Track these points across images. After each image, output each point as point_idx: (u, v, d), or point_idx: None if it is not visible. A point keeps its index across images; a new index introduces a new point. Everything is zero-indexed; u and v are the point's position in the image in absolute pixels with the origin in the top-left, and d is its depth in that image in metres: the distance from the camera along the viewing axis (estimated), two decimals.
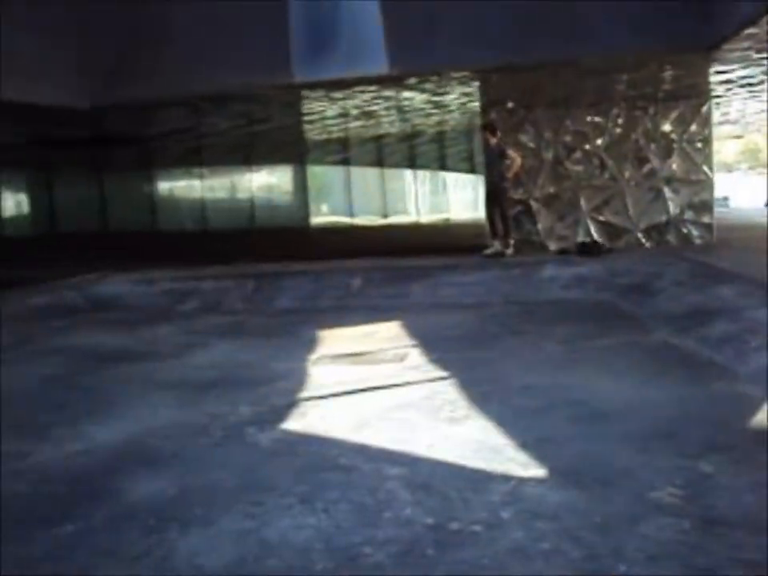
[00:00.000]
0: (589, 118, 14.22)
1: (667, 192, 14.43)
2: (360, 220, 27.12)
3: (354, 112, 15.73)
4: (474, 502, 4.20)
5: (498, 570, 3.43)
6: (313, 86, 11.62)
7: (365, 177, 28.06)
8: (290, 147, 23.98)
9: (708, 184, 14.33)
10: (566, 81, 12.45)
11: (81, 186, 26.15)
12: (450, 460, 4.85)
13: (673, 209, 14.41)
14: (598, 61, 11.16)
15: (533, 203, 14.39)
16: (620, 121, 14.23)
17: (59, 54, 11.31)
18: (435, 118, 18.52)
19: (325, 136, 21.94)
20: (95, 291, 11.69)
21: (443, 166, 30.86)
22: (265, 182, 26.38)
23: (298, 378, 6.99)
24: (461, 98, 14.10)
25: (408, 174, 29.69)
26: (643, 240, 14.21)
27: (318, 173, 26.67)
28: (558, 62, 11.13)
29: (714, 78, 13.33)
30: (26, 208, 26.99)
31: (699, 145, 14.21)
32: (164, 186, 26.33)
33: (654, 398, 5.89)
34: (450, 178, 31.83)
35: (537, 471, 4.59)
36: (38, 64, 10.94)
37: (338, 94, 12.62)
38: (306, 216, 25.63)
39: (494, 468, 4.67)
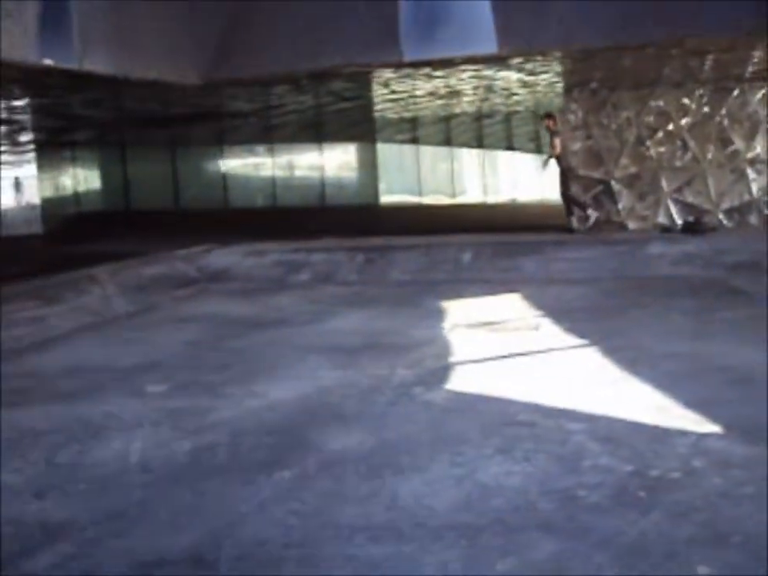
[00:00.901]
0: (673, 99, 14.26)
1: (750, 173, 14.44)
2: (428, 199, 27.31)
3: (443, 91, 15.94)
4: (663, 453, 4.46)
5: (712, 512, 3.70)
6: (419, 65, 11.85)
7: (433, 155, 28.24)
8: (361, 125, 24.20)
9: None
10: (651, 62, 12.55)
11: (154, 162, 26.66)
12: (623, 417, 5.11)
13: (756, 190, 14.42)
14: (702, 42, 11.27)
15: (614, 183, 14.49)
16: (704, 101, 14.26)
17: (171, 29, 11.60)
18: (516, 98, 18.67)
19: (395, 115, 22.14)
20: (206, 263, 12.11)
21: (510, 146, 30.91)
22: (335, 160, 26.64)
23: (442, 344, 7.29)
24: (552, 78, 14.26)
25: (476, 153, 29.80)
26: (725, 221, 14.25)
27: (386, 151, 26.87)
28: (664, 44, 11.25)
29: None
30: (100, 183, 27.53)
31: None
32: (235, 163, 26.72)
33: None
34: (517, 157, 31.88)
35: (712, 427, 4.84)
36: (151, 39, 11.25)
37: (438, 73, 12.85)
38: (376, 194, 25.85)
39: (670, 424, 4.93)
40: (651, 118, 14.34)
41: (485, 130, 28.36)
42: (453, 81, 14.21)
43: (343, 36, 11.54)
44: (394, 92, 15.45)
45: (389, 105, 18.56)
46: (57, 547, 3.73)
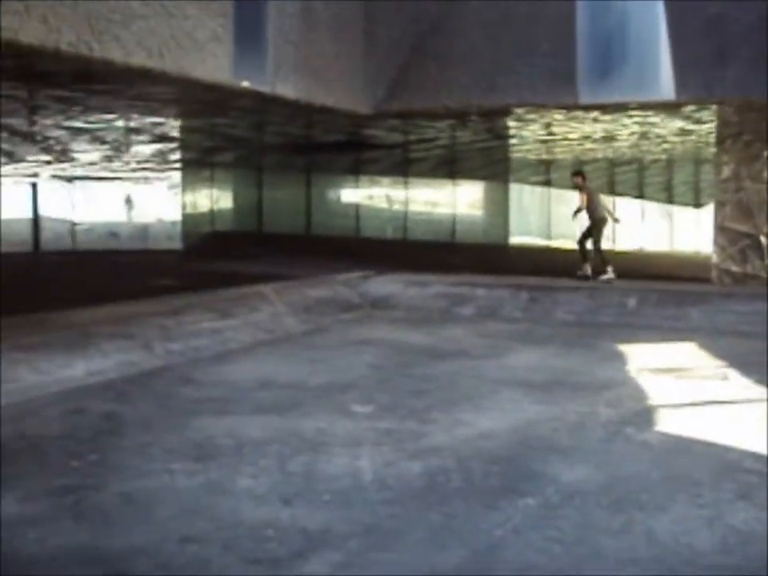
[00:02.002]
0: None
1: None
2: (556, 243, 27.14)
3: (597, 135, 15.96)
4: None
5: None
6: (592, 108, 11.89)
7: (564, 199, 28.08)
8: (494, 165, 24.31)
9: None
10: None
11: (288, 187, 27.28)
12: None
13: None
14: None
15: (762, 238, 14.17)
16: None
17: (349, 61, 11.93)
18: (665, 146, 18.55)
19: (534, 156, 22.18)
20: (366, 289, 12.29)
21: (640, 195, 30.57)
22: (467, 198, 26.75)
23: (633, 387, 7.26)
24: (711, 128, 14.13)
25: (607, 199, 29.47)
26: None
27: (517, 192, 26.83)
28: None
29: None
30: (234, 204, 28.24)
31: None
32: (369, 193, 27.09)
33: None
34: (647, 207, 31.49)
35: None
36: (332, 68, 11.58)
37: (605, 117, 12.88)
38: (506, 234, 25.83)
39: None
40: None
41: (617, 177, 28.12)
42: (613, 126, 14.21)
43: (520, 75, 11.66)
44: (551, 134, 15.53)
45: (534, 146, 18.63)
46: (325, 554, 3.84)
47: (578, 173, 13.32)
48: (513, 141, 17.73)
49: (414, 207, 26.66)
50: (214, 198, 28.01)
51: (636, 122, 13.75)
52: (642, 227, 31.19)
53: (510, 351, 8.82)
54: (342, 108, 12.07)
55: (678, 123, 13.79)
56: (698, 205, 31.15)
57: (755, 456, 5.34)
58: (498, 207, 26.15)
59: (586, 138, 16.36)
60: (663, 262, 22.93)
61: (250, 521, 4.28)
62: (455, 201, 26.45)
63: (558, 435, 5.77)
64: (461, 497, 4.60)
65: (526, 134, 15.89)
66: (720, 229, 14.25)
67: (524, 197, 26.96)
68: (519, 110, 12.32)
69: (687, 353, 8.90)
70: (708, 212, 23.89)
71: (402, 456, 5.31)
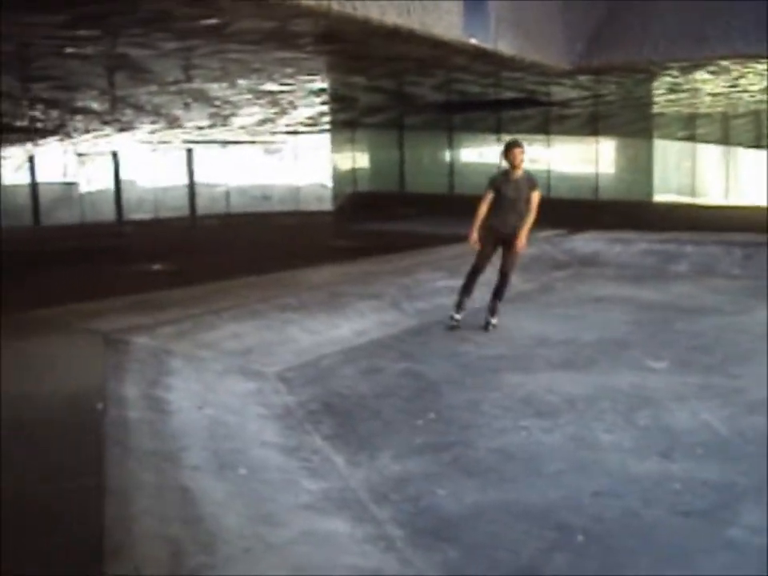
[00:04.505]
0: None
1: None
2: (701, 199, 26.50)
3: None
4: None
5: None
6: None
7: (708, 155, 27.35)
8: (637, 121, 23.84)
9: None
10: None
11: (430, 147, 27.27)
12: None
13: None
14: None
15: None
16: None
17: (551, 17, 11.82)
18: None
19: (672, 110, 21.63)
20: (571, 246, 12.26)
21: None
22: (611, 155, 26.32)
23: None
24: None
25: (753, 154, 28.55)
26: None
27: (660, 148, 26.26)
28: None
29: None
30: (376, 165, 28.37)
31: None
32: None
33: None
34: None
35: None
36: (538, 25, 11.47)
37: None
38: (650, 191, 25.36)
39: None
40: None
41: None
42: None
43: (731, 25, 11.35)
44: (733, 86, 15.13)
45: (690, 100, 18.15)
46: (748, 507, 3.91)
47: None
48: (680, 96, 17.30)
49: (557, 166, 26.41)
50: (356, 160, 28.22)
51: None
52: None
53: (755, 308, 8.71)
54: (545, 63, 11.96)
55: None
56: None
57: None
58: (642, 164, 25.74)
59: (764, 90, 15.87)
60: None
61: (645, 474, 4.38)
62: (598, 158, 26.12)
63: None
64: None
65: (708, 87, 15.50)
66: None
67: (668, 153, 26.41)
68: (725, 62, 12.02)
69: None
70: None
71: (738, 410, 5.35)
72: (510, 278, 8.16)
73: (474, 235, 7.79)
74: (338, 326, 7.92)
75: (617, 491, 4.21)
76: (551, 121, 24.67)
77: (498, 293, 8.09)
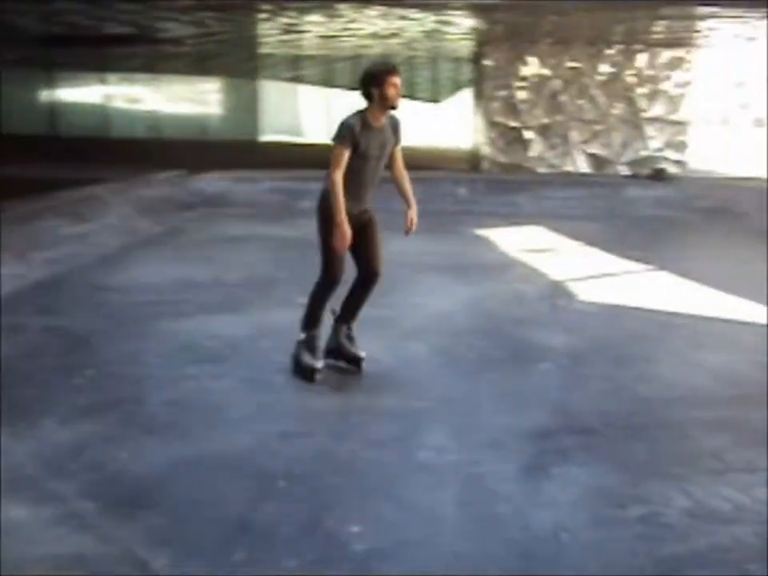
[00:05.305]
0: (586, 56, 15.08)
1: (650, 131, 15.48)
2: (305, 139, 27.23)
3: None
4: None
5: None
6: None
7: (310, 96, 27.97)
8: (246, 61, 24.12)
9: (685, 126, 15.51)
10: (566, 20, 13.08)
11: (28, 84, 25.59)
12: None
13: (653, 145, 15.49)
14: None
15: (524, 132, 15.20)
16: (615, 60, 15.17)
17: None
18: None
19: (280, 51, 22.09)
20: (197, 187, 12.06)
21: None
22: (218, 96, 26.28)
23: (526, 266, 7.93)
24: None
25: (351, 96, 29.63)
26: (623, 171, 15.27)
27: (266, 89, 26.63)
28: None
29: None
30: None
31: (682, 90, 15.30)
32: (118, 92, 26.18)
33: None
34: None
35: None
36: None
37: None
38: (257, 131, 25.67)
39: None
40: (566, 73, 15.08)
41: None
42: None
43: None
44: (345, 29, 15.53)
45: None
46: None
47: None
48: (291, 37, 17.51)
49: (164, 106, 26.07)
50: None
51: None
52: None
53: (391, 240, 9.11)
54: None
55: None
56: (435, 101, 32.00)
57: (677, 314, 6.31)
58: (249, 104, 26.17)
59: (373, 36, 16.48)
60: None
61: (334, 410, 4.44)
62: (208, 98, 26.16)
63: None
64: None
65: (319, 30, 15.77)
66: (491, 124, 15.13)
67: (273, 94, 26.91)
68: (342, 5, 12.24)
69: (543, 235, 9.69)
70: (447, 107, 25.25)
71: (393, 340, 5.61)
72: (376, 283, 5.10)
73: (344, 228, 4.67)
74: None
75: (304, 430, 4.23)
76: (159, 59, 24.01)
77: (355, 306, 5.21)
